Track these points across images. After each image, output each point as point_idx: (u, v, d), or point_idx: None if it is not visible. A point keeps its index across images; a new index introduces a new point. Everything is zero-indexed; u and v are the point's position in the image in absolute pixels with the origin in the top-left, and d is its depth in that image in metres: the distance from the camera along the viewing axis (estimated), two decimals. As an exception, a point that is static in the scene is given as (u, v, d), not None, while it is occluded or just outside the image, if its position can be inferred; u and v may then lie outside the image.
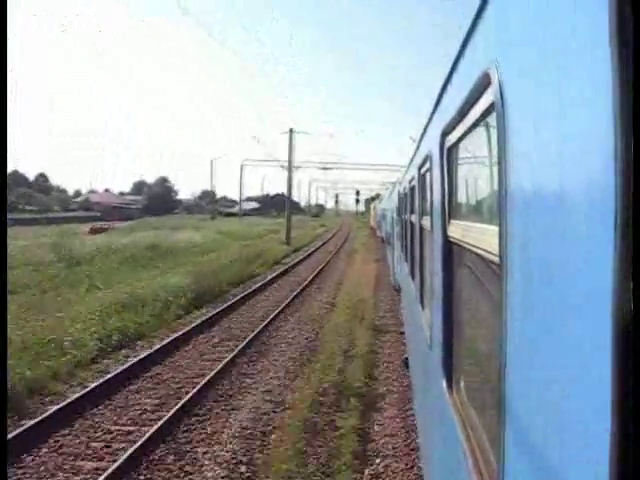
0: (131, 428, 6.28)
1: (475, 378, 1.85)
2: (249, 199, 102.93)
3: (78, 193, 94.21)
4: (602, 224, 0.60)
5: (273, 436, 6.08)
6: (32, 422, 6.05)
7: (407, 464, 5.53)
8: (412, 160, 5.03)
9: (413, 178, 4.86)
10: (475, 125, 1.51)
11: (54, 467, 5.39)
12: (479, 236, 1.47)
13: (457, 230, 1.92)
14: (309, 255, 27.25)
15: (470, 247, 1.62)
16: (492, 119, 1.20)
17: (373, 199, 56.52)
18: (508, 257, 1.05)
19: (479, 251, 1.47)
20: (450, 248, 2.12)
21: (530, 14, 0.92)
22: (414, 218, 5.08)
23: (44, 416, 6.22)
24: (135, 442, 5.74)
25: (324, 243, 36.69)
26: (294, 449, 5.60)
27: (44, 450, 5.72)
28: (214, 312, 12.32)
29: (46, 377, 7.49)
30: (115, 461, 5.32)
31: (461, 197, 2.09)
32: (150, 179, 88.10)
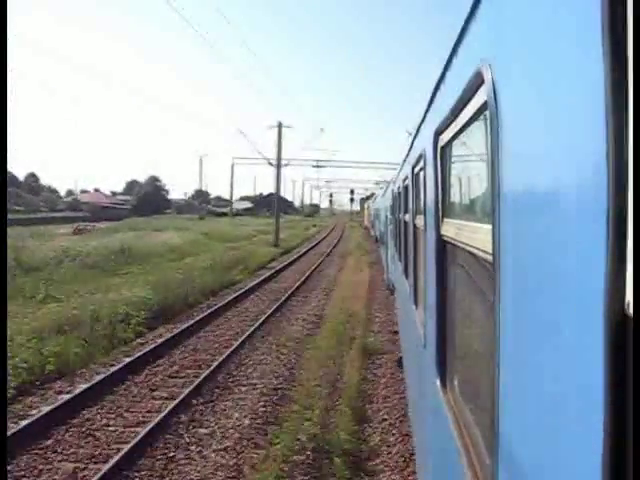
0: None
1: (469, 376, 1.86)
2: (243, 199, 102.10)
3: (70, 193, 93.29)
4: (594, 223, 0.60)
5: None
6: None
7: None
8: (406, 159, 5.04)
9: (407, 177, 4.87)
10: (468, 124, 1.51)
11: None
12: (472, 235, 1.48)
13: (450, 229, 1.93)
14: (298, 258, 25.00)
15: (463, 246, 1.63)
16: (485, 118, 1.21)
17: (368, 198, 56.39)
18: (501, 255, 1.06)
19: (472, 250, 1.47)
20: (443, 247, 2.13)
21: (523, 13, 0.92)
22: (408, 217, 5.09)
23: None
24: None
25: (316, 244, 34.42)
26: None
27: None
28: (176, 332, 10.26)
29: None
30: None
31: (454, 196, 2.09)
32: (143, 179, 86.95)
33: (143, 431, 5.94)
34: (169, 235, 29.28)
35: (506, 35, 1.03)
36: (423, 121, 2.92)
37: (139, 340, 10.03)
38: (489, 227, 1.16)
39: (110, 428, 6.23)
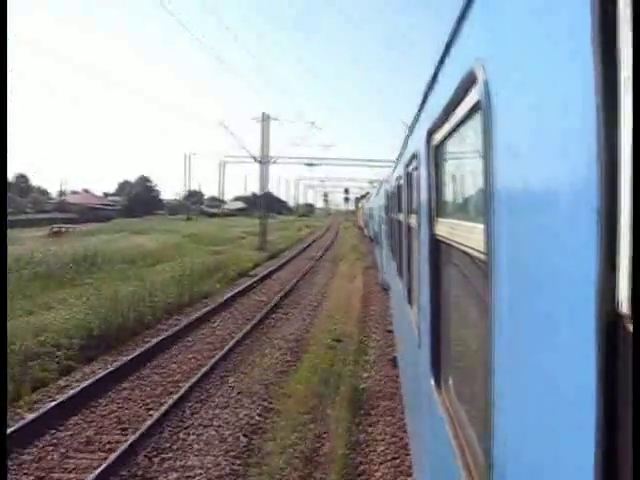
0: None
1: (463, 376, 1.86)
2: (238, 199, 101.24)
3: (63, 194, 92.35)
4: (586, 221, 0.61)
5: None
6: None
7: None
8: (399, 158, 5.05)
9: (400, 176, 4.88)
10: (461, 124, 1.52)
11: None
12: (466, 234, 1.48)
13: (444, 228, 1.93)
14: (286, 264, 22.54)
15: (457, 245, 1.63)
16: (478, 118, 1.21)
17: (363, 197, 56.31)
18: (494, 255, 1.06)
19: (466, 249, 1.47)
20: (437, 246, 2.13)
21: (516, 13, 0.92)
22: (401, 216, 5.11)
23: None
24: None
25: (306, 247, 31.72)
26: None
27: None
28: (111, 369, 7.88)
29: None
30: None
31: (448, 195, 2.10)
32: (135, 179, 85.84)
33: None
34: (147, 238, 26.87)
35: (499, 34, 1.03)
36: (416, 121, 2.92)
37: (61, 381, 7.63)
38: (482, 226, 1.16)
39: None
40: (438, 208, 2.14)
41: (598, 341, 0.58)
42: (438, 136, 1.99)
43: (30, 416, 6.24)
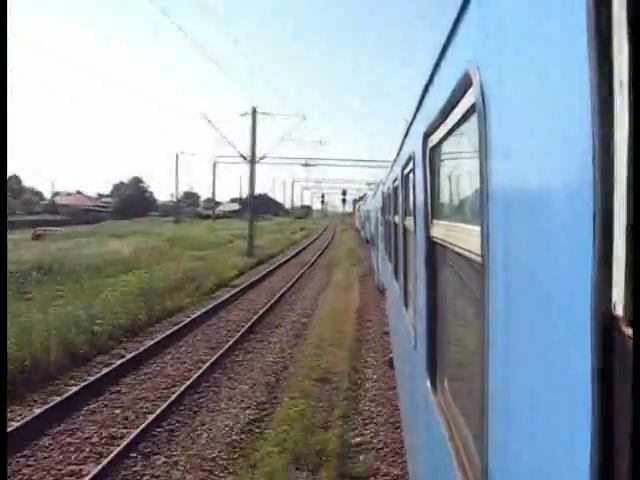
0: None
1: (459, 377, 1.86)
2: (234, 200, 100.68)
3: (56, 195, 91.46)
4: (581, 223, 0.61)
5: None
6: None
7: None
8: (396, 160, 5.06)
9: (397, 178, 4.89)
10: (457, 126, 1.52)
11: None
12: (461, 236, 1.48)
13: (440, 230, 1.94)
14: (273, 271, 20.34)
15: (453, 247, 1.63)
16: (474, 120, 1.21)
17: (361, 199, 56.28)
18: (490, 257, 1.06)
19: (462, 251, 1.47)
20: (433, 248, 2.14)
21: (511, 15, 0.93)
22: (397, 218, 5.11)
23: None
24: None
25: (299, 252, 29.59)
26: None
27: None
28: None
29: None
30: None
31: (444, 197, 2.10)
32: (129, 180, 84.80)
33: None
34: (124, 243, 24.55)
35: (494, 37, 1.04)
36: (412, 123, 2.93)
37: None
38: (478, 228, 1.17)
39: None
40: (434, 210, 2.14)
41: (594, 343, 0.58)
42: (434, 138, 1.99)
43: None
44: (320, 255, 27.90)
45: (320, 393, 7.14)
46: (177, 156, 58.33)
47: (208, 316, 12.13)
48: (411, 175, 3.09)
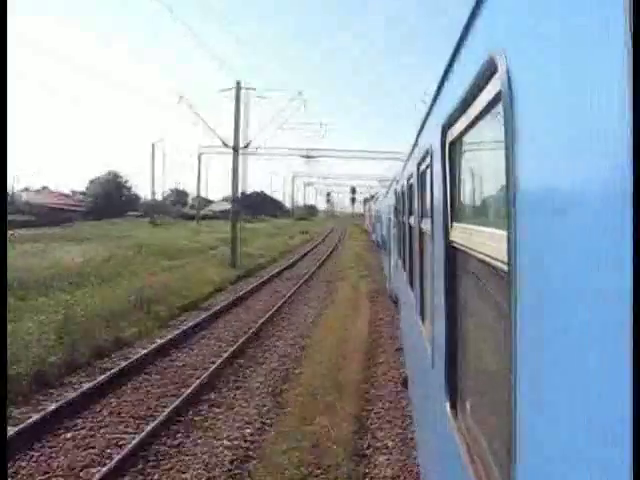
0: None
1: (483, 399, 1.85)
2: (226, 199, 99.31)
3: (26, 190, 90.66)
4: (620, 228, 0.60)
5: None
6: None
7: None
8: (410, 155, 5.06)
9: (411, 175, 4.88)
10: (480, 117, 1.52)
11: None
12: (485, 241, 1.48)
13: (460, 234, 1.93)
14: (259, 288, 17.69)
15: (475, 253, 1.63)
16: (499, 111, 1.21)
17: (373, 197, 55.74)
18: (517, 264, 1.06)
19: (485, 257, 1.47)
20: (453, 254, 2.13)
21: None
22: (413, 220, 5.10)
23: None
24: None
25: (295, 262, 26.55)
26: None
27: None
28: None
29: None
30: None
31: (465, 197, 2.10)
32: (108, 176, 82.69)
33: None
34: (81, 250, 22.11)
35: (522, 19, 1.04)
36: (429, 114, 2.93)
37: None
38: (504, 232, 1.16)
39: None
40: (454, 211, 2.14)
41: (635, 362, 0.58)
42: (454, 131, 1.99)
43: None
44: (321, 265, 25.25)
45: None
46: (153, 146, 54.76)
47: (154, 359, 9.39)
48: (428, 172, 3.09)
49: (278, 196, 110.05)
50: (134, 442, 6.01)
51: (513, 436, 1.08)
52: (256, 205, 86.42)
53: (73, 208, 73.60)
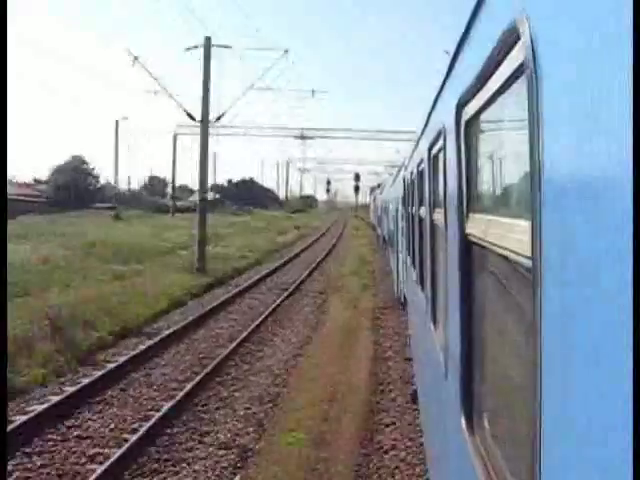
0: None
1: (503, 415, 1.86)
2: (213, 188, 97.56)
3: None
4: None
5: None
6: None
7: None
8: (421, 137, 5.06)
9: (422, 160, 4.88)
10: (500, 92, 1.52)
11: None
12: (506, 234, 1.48)
13: (478, 226, 1.93)
14: (228, 303, 15.69)
15: (495, 248, 1.63)
16: (522, 85, 1.21)
17: (380, 186, 55.18)
18: (544, 260, 1.05)
19: (506, 253, 1.47)
20: (469, 249, 2.13)
21: None
22: (423, 211, 5.11)
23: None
24: None
25: (280, 266, 24.08)
26: None
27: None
28: None
29: None
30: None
31: (483, 184, 2.10)
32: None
33: None
34: (19, 248, 19.61)
35: None
36: (442, 90, 2.92)
37: None
38: (528, 224, 1.16)
39: None
40: (470, 200, 2.14)
41: None
42: (470, 109, 1.99)
43: None
44: (314, 270, 22.67)
45: None
46: (117, 124, 51.53)
47: (46, 422, 7.43)
48: (441, 155, 3.09)
49: (272, 185, 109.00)
50: None
51: (537, 457, 1.08)
52: (244, 195, 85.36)
53: (33, 199, 72.32)
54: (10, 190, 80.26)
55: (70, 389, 8.60)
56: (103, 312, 12.58)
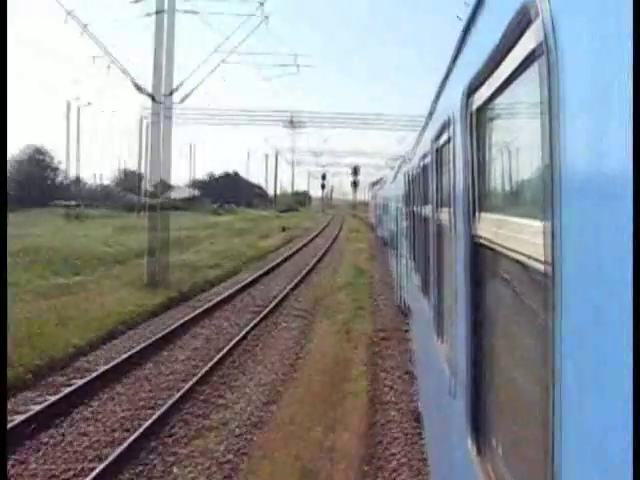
0: None
1: (515, 437, 1.86)
2: (194, 183, 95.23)
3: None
4: None
5: None
6: None
7: None
8: (425, 128, 5.07)
9: (426, 153, 4.90)
10: (514, 77, 1.52)
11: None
12: (519, 235, 1.48)
13: (488, 227, 1.94)
14: (185, 329, 13.78)
15: (506, 251, 1.63)
16: (538, 69, 1.20)
17: (380, 181, 54.57)
18: (561, 264, 1.05)
19: (519, 256, 1.47)
20: (478, 252, 2.14)
21: None
22: (427, 210, 5.12)
23: None
24: None
25: (259, 278, 21.83)
26: None
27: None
28: None
29: None
30: None
31: (494, 180, 2.10)
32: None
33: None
34: None
35: None
36: (448, 76, 2.93)
37: None
38: (544, 224, 1.16)
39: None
40: (480, 198, 2.14)
41: None
42: (480, 96, 1.99)
43: None
44: (299, 283, 20.81)
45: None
46: (68, 105, 49.02)
47: None
48: (447, 148, 3.10)
49: (260, 180, 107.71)
50: None
51: None
52: (227, 191, 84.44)
53: (-7, 197, 70.26)
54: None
55: None
56: (27, 340, 11.09)
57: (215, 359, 11.21)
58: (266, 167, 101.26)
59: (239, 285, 19.76)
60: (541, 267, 1.22)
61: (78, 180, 72.28)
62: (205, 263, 23.83)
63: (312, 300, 17.77)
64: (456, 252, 2.63)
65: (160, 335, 12.80)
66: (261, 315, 15.15)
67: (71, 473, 7.04)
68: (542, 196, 1.20)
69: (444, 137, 3.25)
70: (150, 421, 8.25)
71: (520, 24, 1.32)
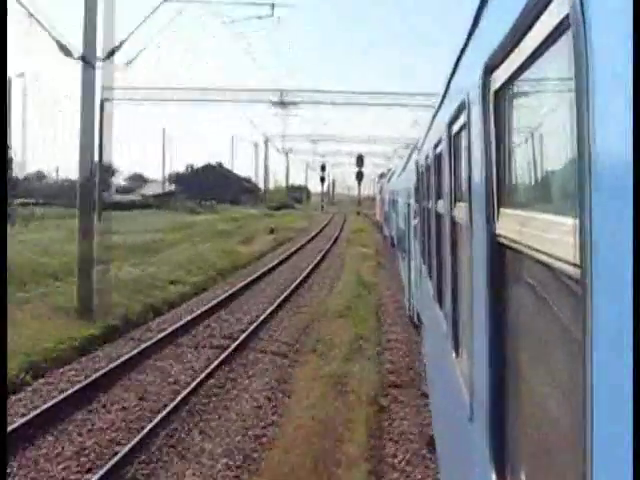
0: None
1: (542, 463, 1.86)
2: (171, 178, 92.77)
3: None
4: None
5: None
6: None
7: None
8: (438, 110, 5.07)
9: (440, 140, 4.90)
10: (539, 53, 1.52)
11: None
12: (547, 234, 1.49)
13: (511, 225, 1.94)
14: (124, 370, 11.83)
15: (533, 252, 1.63)
16: (566, 44, 1.21)
17: (388, 173, 53.75)
18: (594, 268, 1.06)
19: (547, 258, 1.48)
20: (500, 254, 2.14)
21: None
22: (441, 206, 5.12)
23: None
24: None
25: (233, 296, 19.94)
26: None
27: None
28: None
29: None
30: None
31: (518, 171, 2.10)
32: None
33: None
34: None
35: None
36: (464, 52, 2.93)
37: None
38: (574, 222, 1.17)
39: None
40: (502, 192, 2.15)
41: None
42: (501, 74, 1.99)
43: None
44: (281, 305, 18.76)
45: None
46: (9, 81, 43.09)
47: None
48: (463, 134, 3.10)
49: (250, 173, 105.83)
50: None
51: None
52: (209, 185, 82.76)
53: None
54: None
55: None
56: None
57: (146, 429, 8.89)
58: (255, 157, 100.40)
59: (205, 307, 17.85)
60: (572, 270, 1.22)
61: (41, 177, 72.32)
62: (166, 277, 21.48)
63: (295, 333, 15.48)
64: (475, 254, 2.63)
65: (77, 387, 10.60)
66: (226, 352, 13.11)
67: None
68: (573, 189, 1.20)
69: (460, 121, 3.25)
70: None
71: None
